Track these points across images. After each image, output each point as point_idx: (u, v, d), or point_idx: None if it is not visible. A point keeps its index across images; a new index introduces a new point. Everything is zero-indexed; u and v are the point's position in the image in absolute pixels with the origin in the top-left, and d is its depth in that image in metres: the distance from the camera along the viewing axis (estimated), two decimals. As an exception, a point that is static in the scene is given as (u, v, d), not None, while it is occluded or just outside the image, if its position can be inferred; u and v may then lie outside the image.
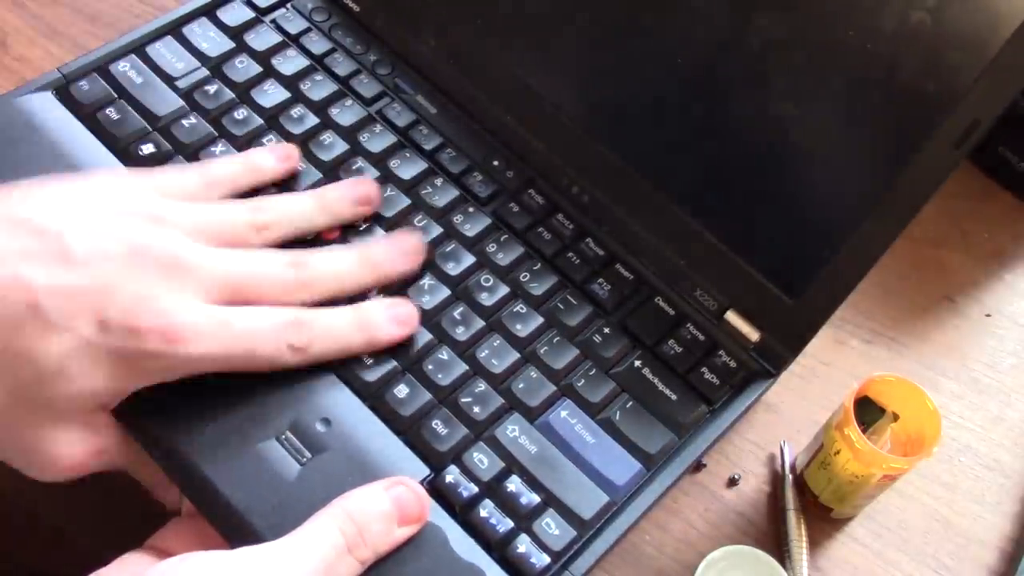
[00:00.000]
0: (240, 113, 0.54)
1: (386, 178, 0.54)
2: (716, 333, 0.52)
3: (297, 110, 0.55)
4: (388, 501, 0.41)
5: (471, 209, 0.54)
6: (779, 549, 0.50)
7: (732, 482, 0.52)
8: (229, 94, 0.55)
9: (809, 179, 0.49)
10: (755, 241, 0.51)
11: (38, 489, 0.56)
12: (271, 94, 0.56)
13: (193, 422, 0.44)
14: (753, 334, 0.51)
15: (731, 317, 0.51)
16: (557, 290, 0.52)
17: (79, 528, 0.56)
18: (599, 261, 0.53)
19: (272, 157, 0.51)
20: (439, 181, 0.54)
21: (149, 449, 0.44)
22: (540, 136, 0.55)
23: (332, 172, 0.54)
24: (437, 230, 0.52)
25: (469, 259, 0.51)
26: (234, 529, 0.42)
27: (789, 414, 0.55)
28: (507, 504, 0.44)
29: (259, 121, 0.54)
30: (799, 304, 0.49)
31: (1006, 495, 0.53)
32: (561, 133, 0.55)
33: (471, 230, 0.53)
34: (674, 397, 0.49)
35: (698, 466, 0.52)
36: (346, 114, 0.56)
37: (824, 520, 0.51)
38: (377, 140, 0.55)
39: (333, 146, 0.54)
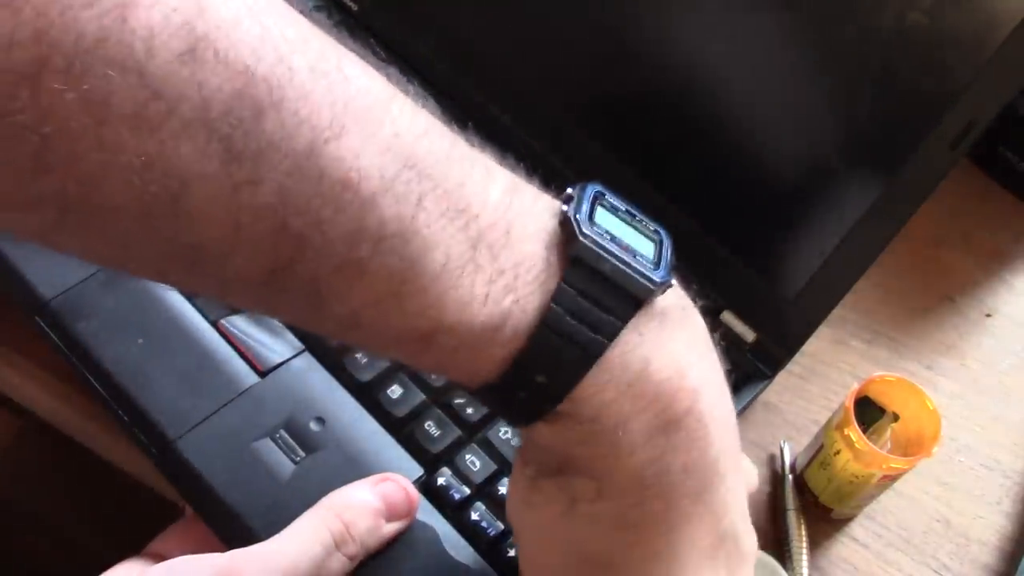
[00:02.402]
0: None
1: None
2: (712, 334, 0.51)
3: None
4: (375, 497, 0.41)
5: None
6: (779, 549, 0.50)
7: (731, 482, 0.52)
8: None
9: (806, 178, 0.49)
10: (751, 241, 0.50)
11: (40, 491, 0.56)
12: None
13: (188, 421, 0.44)
14: (749, 335, 0.51)
15: (727, 317, 0.51)
16: None
17: (80, 529, 0.56)
18: None
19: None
20: None
21: (145, 450, 0.44)
22: (538, 136, 0.55)
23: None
24: None
25: None
26: (229, 529, 0.42)
27: (789, 414, 0.54)
28: (498, 507, 0.44)
29: None
30: (796, 304, 0.49)
31: (1006, 495, 0.53)
32: (559, 132, 0.55)
33: None
34: None
35: (698, 466, 0.52)
36: None
37: (824, 520, 0.51)
38: None
39: None
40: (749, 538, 0.33)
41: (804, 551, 0.49)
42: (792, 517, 0.50)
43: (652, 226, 0.32)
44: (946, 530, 0.51)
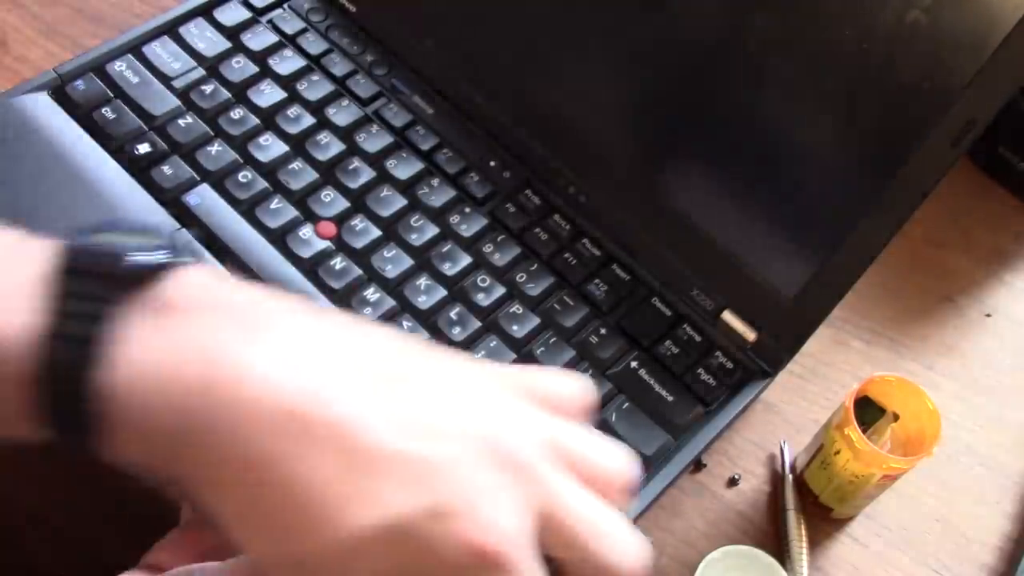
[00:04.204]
0: (236, 113, 0.54)
1: (383, 178, 0.54)
2: (713, 333, 0.52)
3: (293, 110, 0.55)
4: None
5: (468, 209, 0.54)
6: (779, 549, 0.50)
7: (732, 482, 0.52)
8: (225, 94, 0.55)
9: (806, 178, 0.49)
10: (752, 241, 0.50)
11: (38, 490, 0.56)
12: (268, 94, 0.56)
13: None
14: (750, 334, 0.51)
15: (728, 317, 0.51)
16: (553, 291, 0.52)
17: (80, 529, 0.56)
18: (596, 262, 0.53)
19: None
20: (436, 181, 0.54)
21: None
22: (537, 136, 0.55)
23: (329, 172, 0.53)
24: (434, 230, 0.52)
25: (466, 259, 0.51)
26: None
27: (789, 414, 0.54)
28: None
29: (255, 121, 0.54)
30: (796, 304, 0.49)
31: (1006, 495, 0.53)
32: (558, 133, 0.55)
33: (468, 230, 0.53)
34: (670, 398, 0.49)
35: (698, 466, 0.52)
36: (343, 114, 0.56)
37: (824, 520, 0.51)
38: (374, 140, 0.55)
39: (329, 146, 0.54)
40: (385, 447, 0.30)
41: (804, 551, 0.49)
42: (792, 517, 0.50)
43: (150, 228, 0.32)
44: (946, 530, 0.51)
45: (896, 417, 0.49)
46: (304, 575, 0.29)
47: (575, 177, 0.54)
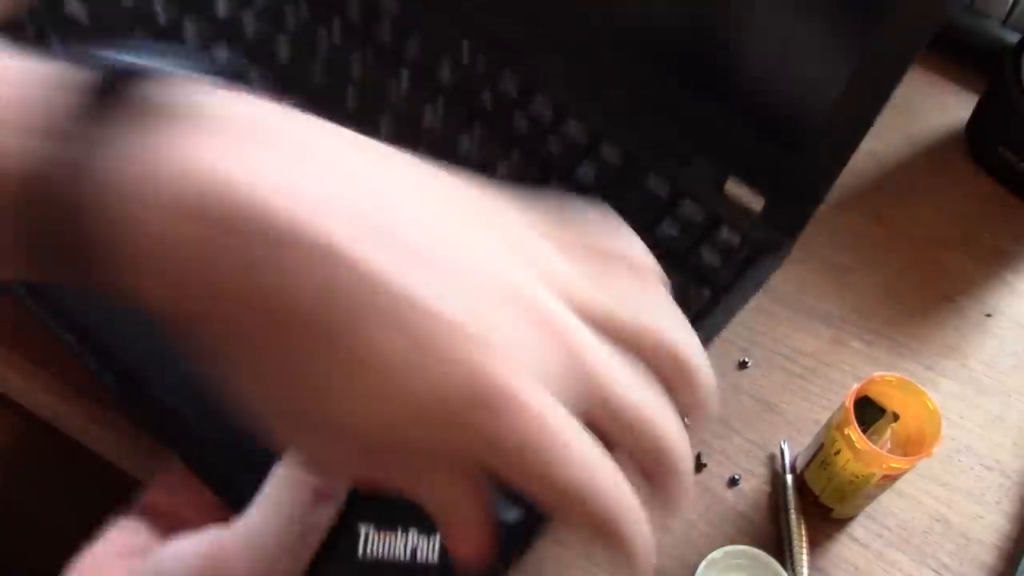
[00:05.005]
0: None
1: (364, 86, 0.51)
2: (717, 207, 0.47)
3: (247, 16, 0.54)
4: None
5: (444, 101, 0.50)
6: (779, 549, 0.50)
7: (732, 482, 0.52)
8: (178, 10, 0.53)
9: (802, 25, 0.44)
10: (749, 98, 0.45)
11: (40, 491, 0.56)
12: (222, 6, 0.54)
13: (170, 366, 0.43)
14: (757, 202, 0.47)
15: (731, 186, 0.47)
16: (539, 180, 0.48)
17: (80, 529, 0.56)
18: (583, 143, 0.49)
19: None
20: (405, 72, 0.51)
21: (118, 394, 0.43)
22: (512, 16, 0.51)
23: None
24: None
25: (444, 155, 0.49)
26: (211, 471, 0.41)
27: (789, 414, 0.54)
28: None
29: (211, 31, 0.53)
30: (804, 160, 0.44)
31: (1006, 495, 0.53)
32: (537, 10, 0.51)
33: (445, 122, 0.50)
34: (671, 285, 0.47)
35: (698, 466, 0.52)
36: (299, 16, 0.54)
37: (824, 520, 0.51)
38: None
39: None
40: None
41: (804, 551, 0.49)
42: (792, 517, 0.50)
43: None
44: (946, 530, 0.52)
45: (896, 417, 0.49)
46: (332, 437, 0.28)
47: (555, 51, 0.50)
